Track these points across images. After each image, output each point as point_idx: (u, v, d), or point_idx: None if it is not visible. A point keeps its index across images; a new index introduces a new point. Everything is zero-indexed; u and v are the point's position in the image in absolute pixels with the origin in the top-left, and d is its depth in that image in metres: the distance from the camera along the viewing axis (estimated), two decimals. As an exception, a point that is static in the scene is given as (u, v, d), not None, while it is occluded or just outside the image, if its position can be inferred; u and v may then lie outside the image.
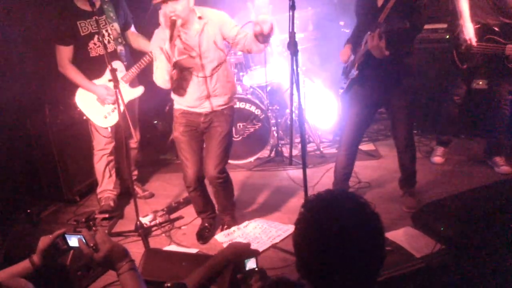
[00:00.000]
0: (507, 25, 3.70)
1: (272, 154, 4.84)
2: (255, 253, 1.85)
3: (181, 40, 2.95)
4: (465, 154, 4.52)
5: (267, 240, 3.32)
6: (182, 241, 3.46)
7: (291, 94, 2.83)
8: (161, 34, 2.95)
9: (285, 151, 4.83)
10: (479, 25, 3.77)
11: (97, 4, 3.55)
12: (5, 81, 3.85)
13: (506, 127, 4.06)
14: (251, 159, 4.79)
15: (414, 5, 3.06)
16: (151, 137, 5.12)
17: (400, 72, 3.25)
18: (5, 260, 2.88)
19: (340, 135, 3.80)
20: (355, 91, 3.43)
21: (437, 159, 4.37)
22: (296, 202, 3.85)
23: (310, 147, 4.94)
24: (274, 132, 4.83)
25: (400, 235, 3.12)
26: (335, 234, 1.21)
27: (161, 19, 2.89)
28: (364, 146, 4.83)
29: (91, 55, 3.64)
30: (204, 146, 3.33)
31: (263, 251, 3.19)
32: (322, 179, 4.11)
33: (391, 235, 3.09)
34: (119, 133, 3.71)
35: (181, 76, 3.03)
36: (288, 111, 5.11)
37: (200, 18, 2.97)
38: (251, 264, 1.82)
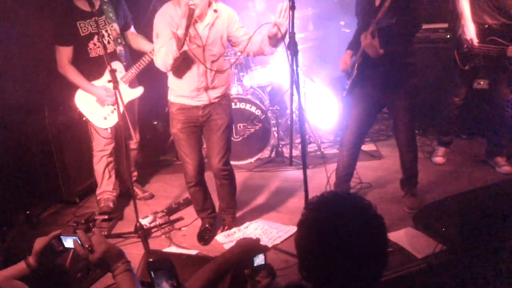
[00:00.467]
0: (507, 26, 3.69)
1: (273, 155, 4.83)
2: (264, 249, 1.84)
3: (194, 27, 2.93)
4: (466, 154, 4.51)
5: (268, 241, 3.31)
6: (182, 243, 3.45)
7: (291, 94, 2.82)
8: (172, 12, 2.92)
9: (286, 151, 4.83)
10: (480, 26, 3.76)
11: (97, 4, 3.55)
12: (4, 82, 3.84)
13: (508, 127, 4.04)
14: (252, 159, 4.78)
15: (411, 4, 3.06)
16: (151, 138, 5.11)
17: (401, 72, 3.25)
18: (4, 261, 2.87)
19: (342, 136, 3.79)
20: (357, 91, 3.43)
21: (438, 159, 4.36)
22: (297, 203, 3.83)
23: (311, 147, 4.93)
24: (275, 133, 4.82)
25: (401, 236, 3.11)
26: (338, 236, 1.20)
27: (182, 4, 2.83)
28: (366, 147, 4.82)
29: (90, 55, 3.64)
30: (205, 140, 3.32)
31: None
32: (323, 179, 4.09)
33: (392, 235, 3.08)
34: (118, 134, 3.69)
35: (182, 64, 2.99)
36: (288, 111, 5.10)
37: (215, 11, 2.97)
38: (259, 260, 1.81)
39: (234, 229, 3.51)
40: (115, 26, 3.69)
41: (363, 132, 3.59)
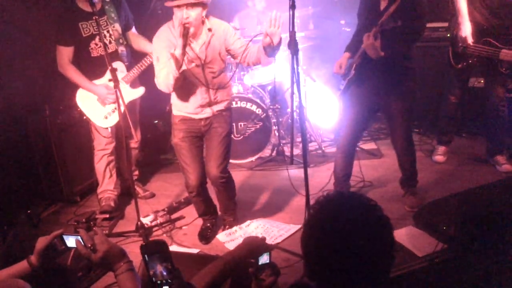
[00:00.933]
0: (498, 26, 3.68)
1: (273, 154, 4.83)
2: (270, 248, 1.85)
3: (190, 47, 2.96)
4: (466, 153, 4.51)
5: (269, 240, 3.30)
6: (183, 241, 3.45)
7: (292, 93, 2.83)
8: (168, 35, 2.95)
9: (287, 150, 4.82)
10: (476, 26, 3.76)
11: (99, 5, 3.55)
12: (5, 81, 3.84)
13: (504, 126, 4.04)
14: (252, 158, 4.78)
15: (416, 11, 3.05)
16: (152, 137, 5.11)
17: (399, 75, 3.24)
18: (5, 260, 2.87)
19: (339, 136, 3.80)
20: (353, 92, 3.43)
21: (438, 158, 4.37)
22: (298, 202, 3.83)
23: (312, 146, 4.94)
24: (275, 131, 4.82)
25: (402, 235, 3.11)
26: (343, 236, 1.20)
27: (176, 25, 2.87)
28: (366, 145, 4.82)
29: (92, 55, 3.64)
30: (205, 147, 3.33)
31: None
32: (324, 178, 4.09)
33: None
34: (119, 133, 3.70)
35: (184, 84, 3.03)
36: (289, 110, 5.10)
37: (209, 30, 2.98)
38: (264, 258, 1.82)
39: (235, 228, 3.51)
40: (117, 26, 3.69)
41: (358, 133, 3.58)
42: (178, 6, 2.81)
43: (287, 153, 4.77)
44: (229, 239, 3.40)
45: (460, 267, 2.63)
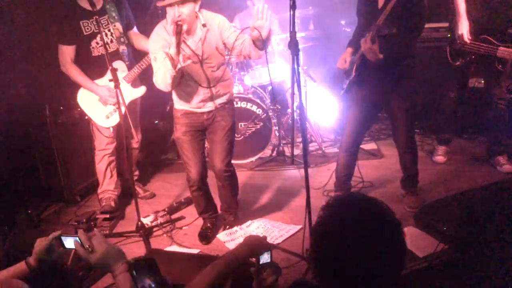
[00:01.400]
0: (497, 23, 3.68)
1: (274, 154, 4.83)
2: (271, 247, 1.85)
3: (186, 45, 2.95)
4: (467, 153, 4.51)
5: (270, 240, 3.29)
6: (184, 242, 3.45)
7: (292, 94, 2.83)
8: (163, 34, 2.95)
9: (287, 150, 4.82)
10: (474, 23, 3.76)
11: (100, 4, 3.56)
12: (6, 81, 3.84)
13: (505, 126, 4.04)
14: (253, 158, 4.78)
15: (414, 8, 3.04)
16: (152, 137, 5.11)
17: (399, 75, 3.23)
18: (6, 260, 2.87)
19: (341, 136, 3.79)
20: (355, 92, 3.43)
21: (439, 158, 4.36)
22: (298, 202, 3.83)
23: (312, 146, 4.93)
24: (276, 132, 4.82)
25: (402, 235, 3.10)
26: (353, 240, 1.19)
27: (169, 24, 2.86)
28: (366, 145, 4.82)
29: (93, 54, 3.64)
30: (208, 142, 3.33)
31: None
32: (324, 178, 4.09)
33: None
34: (120, 133, 3.70)
35: (184, 81, 3.03)
36: (289, 110, 5.10)
37: (204, 25, 2.97)
38: (265, 257, 1.82)
39: (235, 228, 3.51)
40: (118, 25, 3.69)
41: (361, 133, 3.58)
42: (170, 5, 2.81)
43: (288, 153, 4.77)
44: (230, 239, 3.40)
45: (460, 268, 2.63)
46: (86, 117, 3.74)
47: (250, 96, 4.69)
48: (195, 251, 3.28)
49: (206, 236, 3.43)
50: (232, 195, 3.48)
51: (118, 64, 3.63)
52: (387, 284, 1.23)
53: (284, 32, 5.24)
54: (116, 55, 3.67)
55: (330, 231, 1.25)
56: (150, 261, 1.63)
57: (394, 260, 1.23)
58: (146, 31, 3.89)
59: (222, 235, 3.46)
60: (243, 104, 4.64)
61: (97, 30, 3.53)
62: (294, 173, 4.44)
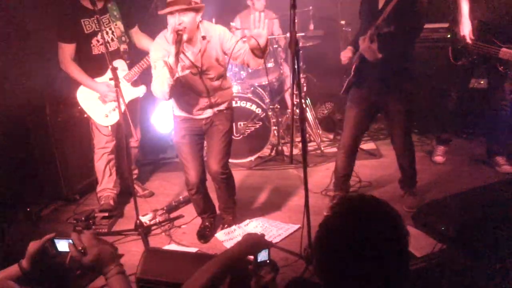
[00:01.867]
0: (500, 24, 3.68)
1: (273, 153, 4.84)
2: (269, 244, 1.86)
3: (185, 56, 2.97)
4: (466, 153, 4.51)
5: (268, 239, 3.29)
6: (182, 240, 3.46)
7: (292, 93, 2.83)
8: (163, 44, 2.96)
9: (286, 150, 4.83)
10: (477, 23, 3.76)
11: (101, 2, 3.56)
12: (5, 79, 3.84)
13: (507, 126, 4.05)
14: (252, 158, 4.78)
15: (414, 9, 3.05)
16: (152, 136, 5.11)
17: (398, 76, 3.23)
18: (4, 258, 2.87)
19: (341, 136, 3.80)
20: (353, 92, 3.43)
21: (438, 158, 4.37)
22: (297, 202, 3.84)
23: (311, 146, 4.94)
24: (275, 131, 4.82)
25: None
26: (361, 244, 1.19)
27: (169, 32, 2.86)
28: (365, 145, 4.82)
29: (93, 53, 3.64)
30: (206, 144, 3.34)
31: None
32: (323, 178, 4.10)
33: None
34: (119, 132, 3.70)
35: (183, 90, 3.04)
36: (289, 110, 5.11)
37: (204, 38, 2.98)
38: (262, 255, 1.82)
39: (234, 227, 3.52)
40: (119, 24, 3.70)
41: (359, 134, 3.58)
42: (171, 13, 2.81)
43: (286, 152, 4.78)
44: (228, 238, 3.41)
45: (458, 268, 2.63)
46: (86, 115, 3.74)
47: (249, 95, 4.70)
48: (193, 249, 3.28)
49: (204, 235, 3.44)
50: (229, 195, 3.48)
51: (119, 63, 3.63)
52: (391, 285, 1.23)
53: (284, 33, 5.27)
54: (117, 54, 3.68)
55: (337, 230, 1.25)
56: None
57: (400, 264, 1.23)
58: (148, 30, 3.90)
59: (220, 234, 3.46)
60: (242, 104, 4.64)
61: (98, 29, 3.53)
62: (293, 172, 4.45)
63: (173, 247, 3.35)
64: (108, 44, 3.57)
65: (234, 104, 4.42)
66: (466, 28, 3.77)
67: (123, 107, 3.25)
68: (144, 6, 4.55)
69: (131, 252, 3.30)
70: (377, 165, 4.44)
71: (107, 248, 1.64)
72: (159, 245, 3.38)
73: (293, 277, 1.62)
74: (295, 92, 2.79)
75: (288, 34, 2.74)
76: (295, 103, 3.32)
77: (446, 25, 4.46)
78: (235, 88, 4.73)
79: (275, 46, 5.05)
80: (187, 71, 2.99)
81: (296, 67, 2.62)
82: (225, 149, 3.25)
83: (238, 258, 1.80)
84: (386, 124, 3.84)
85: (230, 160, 3.43)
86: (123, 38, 3.74)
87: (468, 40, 3.76)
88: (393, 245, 1.21)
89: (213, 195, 3.54)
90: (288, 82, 5.23)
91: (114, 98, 3.55)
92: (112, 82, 3.20)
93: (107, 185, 3.94)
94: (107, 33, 3.63)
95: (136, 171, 4.25)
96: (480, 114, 4.45)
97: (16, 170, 3.87)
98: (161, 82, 2.84)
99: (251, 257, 1.89)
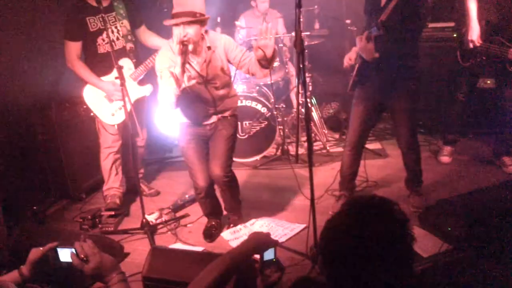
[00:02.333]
0: (506, 22, 3.65)
1: (278, 153, 4.83)
2: (275, 244, 1.86)
3: (191, 66, 2.99)
4: (472, 153, 4.49)
5: (274, 238, 3.31)
6: (188, 239, 3.46)
7: (298, 92, 2.82)
8: (169, 54, 2.98)
9: (291, 149, 4.83)
10: (486, 24, 3.73)
11: (107, 1, 3.57)
12: (12, 78, 3.86)
13: None
14: (257, 157, 4.78)
15: (416, 7, 3.03)
16: (158, 135, 5.13)
17: (400, 75, 3.21)
18: (11, 256, 2.89)
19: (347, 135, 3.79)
20: (358, 91, 3.42)
21: (444, 158, 4.35)
22: (302, 201, 3.83)
23: (317, 145, 4.93)
24: (280, 131, 4.81)
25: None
26: (367, 244, 1.19)
27: (174, 43, 2.87)
28: (371, 145, 4.81)
29: (99, 51, 3.65)
30: (209, 149, 3.35)
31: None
32: (329, 177, 4.09)
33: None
34: (126, 131, 3.71)
35: (188, 99, 3.06)
36: (294, 109, 5.10)
37: (209, 48, 3.00)
38: (268, 254, 1.82)
39: (239, 226, 3.52)
40: (125, 22, 3.70)
41: (365, 132, 3.56)
42: (176, 24, 2.83)
43: (292, 152, 4.77)
44: (234, 237, 3.41)
45: (465, 268, 2.62)
46: (92, 114, 3.75)
47: (255, 94, 4.70)
48: (199, 249, 3.29)
49: (210, 234, 3.44)
50: (232, 197, 3.48)
51: (125, 62, 3.64)
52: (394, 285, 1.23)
53: (288, 32, 5.27)
54: (123, 53, 3.69)
55: (343, 230, 1.25)
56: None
57: (404, 267, 1.23)
58: (154, 28, 3.91)
59: (226, 233, 3.46)
60: (247, 103, 4.64)
61: (103, 27, 3.54)
62: (299, 172, 4.44)
63: (179, 246, 3.36)
64: (113, 43, 3.58)
65: (239, 103, 4.43)
66: (474, 33, 3.74)
67: (129, 106, 3.26)
68: (150, 4, 4.56)
69: (137, 251, 3.31)
70: (382, 165, 4.43)
71: (108, 257, 1.65)
72: (165, 244, 3.39)
73: (299, 277, 1.62)
74: (300, 92, 2.79)
75: (293, 33, 2.72)
76: (300, 102, 3.29)
77: (451, 24, 4.44)
78: (241, 88, 4.73)
79: (280, 45, 5.04)
80: (193, 81, 3.03)
81: (301, 66, 2.62)
82: (227, 153, 3.25)
83: (244, 257, 1.80)
84: (392, 123, 3.82)
85: (235, 159, 3.44)
86: (129, 37, 3.75)
87: (477, 44, 3.74)
88: (398, 246, 1.21)
89: (219, 195, 3.54)
90: (294, 81, 5.22)
91: (120, 97, 3.57)
92: (118, 81, 3.21)
93: (113, 184, 3.96)
94: (112, 31, 3.64)
95: (142, 170, 4.25)
96: (487, 114, 4.42)
97: (22, 169, 3.89)
98: (168, 92, 2.87)
99: (257, 256, 1.89)
